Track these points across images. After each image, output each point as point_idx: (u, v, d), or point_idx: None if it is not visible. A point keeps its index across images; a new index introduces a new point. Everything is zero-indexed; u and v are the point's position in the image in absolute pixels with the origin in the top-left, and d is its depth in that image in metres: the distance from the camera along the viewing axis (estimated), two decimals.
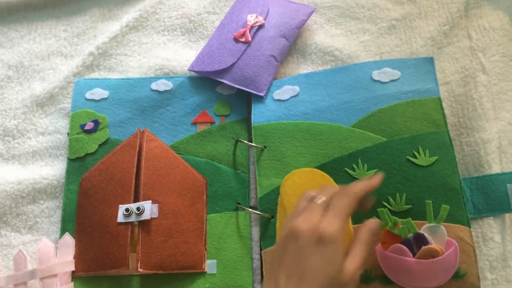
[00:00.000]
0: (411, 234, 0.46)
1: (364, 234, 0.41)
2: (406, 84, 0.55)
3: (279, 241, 0.41)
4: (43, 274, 0.50)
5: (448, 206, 0.45)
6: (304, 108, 0.56)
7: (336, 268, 0.38)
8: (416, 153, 0.51)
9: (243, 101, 0.59)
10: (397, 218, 0.47)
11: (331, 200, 0.42)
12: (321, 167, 0.52)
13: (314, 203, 0.42)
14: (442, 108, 0.53)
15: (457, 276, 0.45)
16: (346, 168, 0.52)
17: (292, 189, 0.52)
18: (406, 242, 0.45)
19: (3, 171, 0.58)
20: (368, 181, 0.44)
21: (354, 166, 0.52)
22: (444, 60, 0.59)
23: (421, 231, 0.46)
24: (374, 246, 0.47)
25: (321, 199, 0.42)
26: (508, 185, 0.49)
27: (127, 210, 0.52)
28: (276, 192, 0.52)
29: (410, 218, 0.46)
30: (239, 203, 0.54)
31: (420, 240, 0.45)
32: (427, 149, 0.51)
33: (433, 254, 0.44)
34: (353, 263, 0.39)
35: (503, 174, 0.50)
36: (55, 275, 0.50)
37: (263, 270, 0.50)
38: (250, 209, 0.53)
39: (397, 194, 0.49)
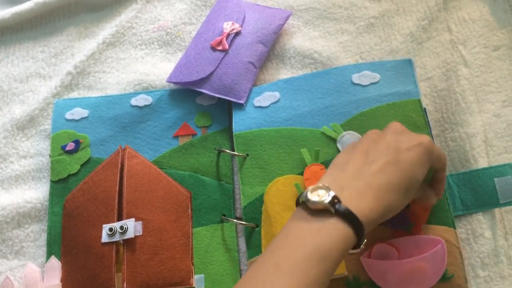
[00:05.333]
0: None
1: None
2: (386, 87, 0.54)
3: (363, 139, 0.43)
4: None
5: None
6: (285, 114, 0.55)
7: (422, 174, 0.39)
8: None
9: (223, 111, 0.58)
10: None
11: None
12: None
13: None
14: (422, 110, 0.52)
15: (445, 278, 0.44)
16: None
17: (276, 197, 0.51)
18: None
19: None
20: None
21: None
22: (424, 56, 0.58)
23: None
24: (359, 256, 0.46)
25: None
26: (495, 179, 0.48)
27: (110, 229, 0.51)
28: (260, 200, 0.52)
29: None
30: (224, 215, 0.53)
31: None
32: None
33: None
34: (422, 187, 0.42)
35: (490, 168, 0.49)
36: None
37: None
38: (235, 220, 0.52)
39: None
